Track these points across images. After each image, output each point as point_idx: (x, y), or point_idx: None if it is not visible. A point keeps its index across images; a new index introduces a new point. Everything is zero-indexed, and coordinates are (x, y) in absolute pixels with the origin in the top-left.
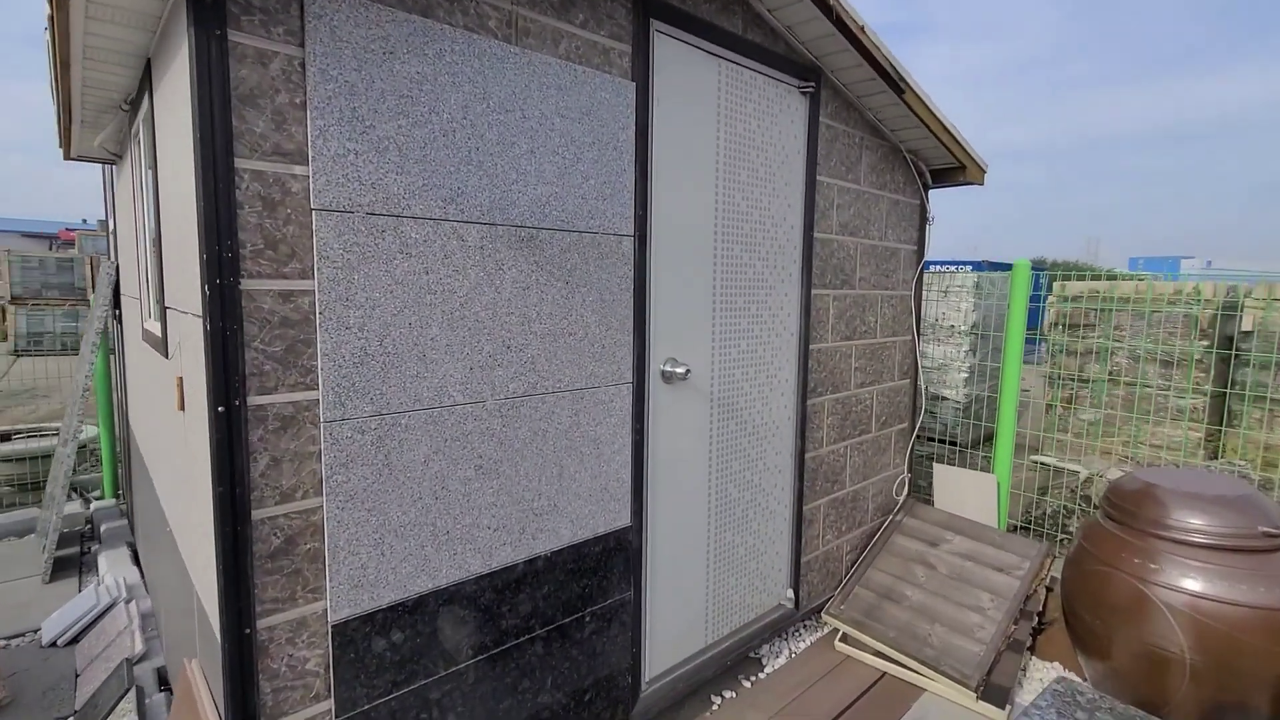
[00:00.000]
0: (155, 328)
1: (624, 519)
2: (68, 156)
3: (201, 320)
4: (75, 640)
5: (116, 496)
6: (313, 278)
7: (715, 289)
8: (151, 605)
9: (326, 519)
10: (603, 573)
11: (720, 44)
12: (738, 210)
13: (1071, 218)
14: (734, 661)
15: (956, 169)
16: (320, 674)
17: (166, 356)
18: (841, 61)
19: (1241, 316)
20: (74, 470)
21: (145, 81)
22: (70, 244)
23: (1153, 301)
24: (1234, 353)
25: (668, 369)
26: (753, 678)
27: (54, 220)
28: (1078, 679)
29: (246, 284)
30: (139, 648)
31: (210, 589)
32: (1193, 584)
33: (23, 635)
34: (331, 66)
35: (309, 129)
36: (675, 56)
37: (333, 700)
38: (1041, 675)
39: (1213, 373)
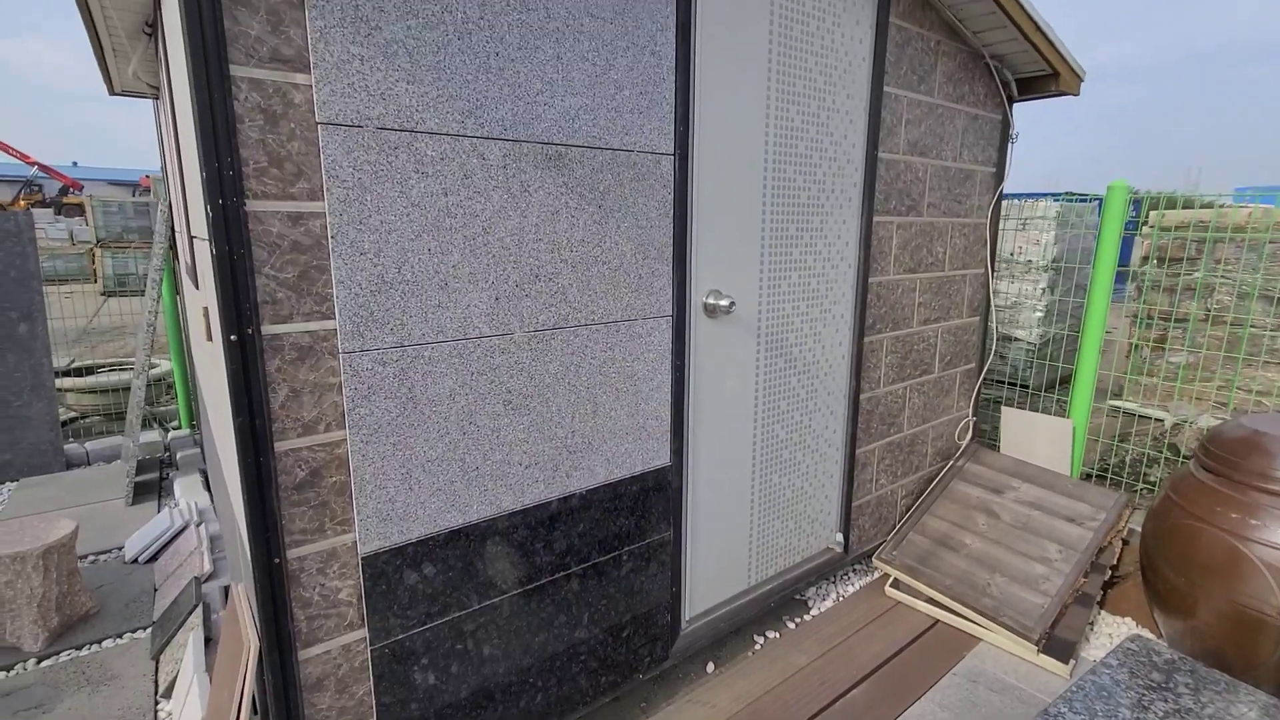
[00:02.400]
0: (188, 259)
1: (663, 458)
2: (112, 92)
3: (208, 244)
4: (153, 559)
5: (191, 426)
6: (322, 199)
7: (765, 215)
8: (219, 528)
9: (351, 452)
10: (641, 512)
11: None
12: (792, 126)
13: (1169, 145)
14: (778, 603)
15: (1048, 76)
16: (353, 603)
17: (196, 287)
18: None
19: None
20: (155, 402)
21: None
22: (149, 190)
23: (1270, 230)
24: None
25: (711, 301)
26: (798, 619)
27: (138, 168)
28: (1152, 637)
29: (252, 205)
30: (207, 567)
31: (243, 518)
32: None
33: (109, 552)
34: None
35: (308, 30)
36: None
37: (366, 629)
38: (1111, 631)
39: None
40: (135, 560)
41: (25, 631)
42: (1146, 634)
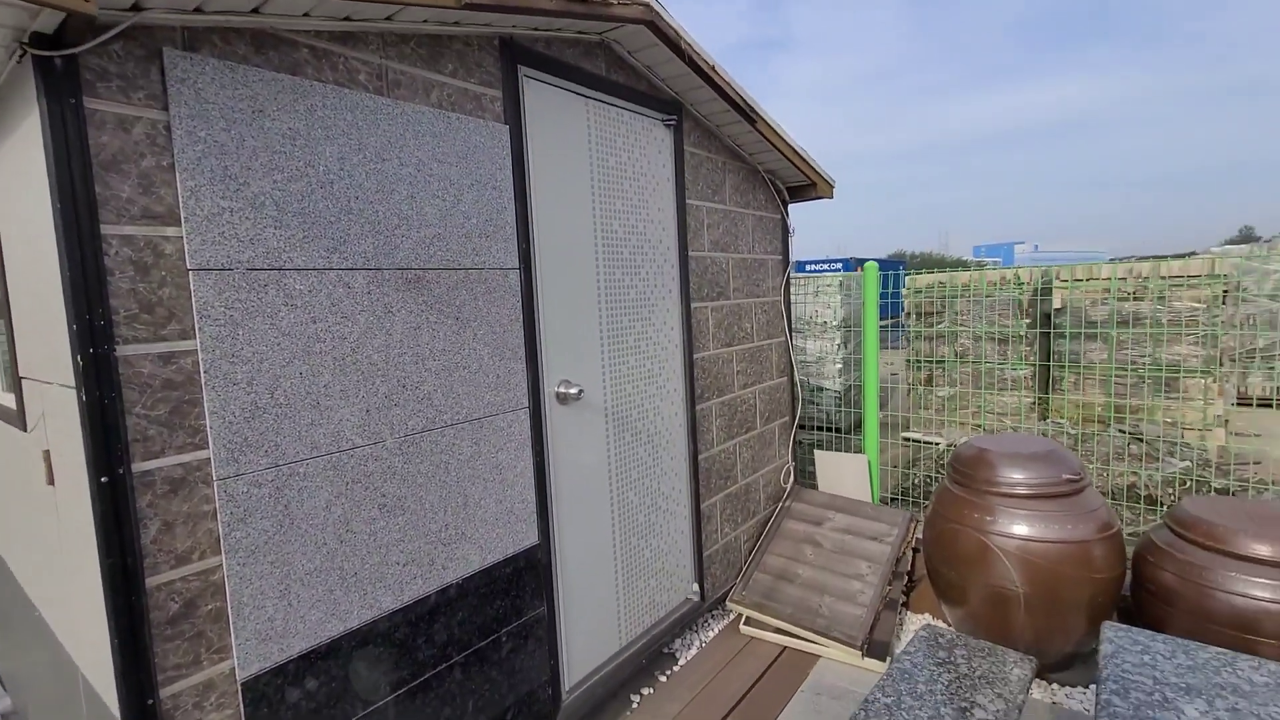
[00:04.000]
0: (8, 400)
1: (531, 538)
2: None
3: (75, 391)
4: None
5: None
6: (194, 337)
7: (601, 311)
8: (11, 703)
9: (228, 576)
10: (515, 592)
11: (586, 85)
12: (616, 236)
13: (929, 214)
14: (649, 659)
15: (809, 185)
16: None
17: (25, 430)
18: (699, 96)
19: (1052, 296)
20: None
21: None
22: None
23: (984, 288)
24: (1051, 328)
25: (561, 390)
26: (668, 672)
27: None
28: (942, 625)
29: (122, 350)
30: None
31: (103, 666)
32: (1020, 529)
33: None
34: (199, 128)
35: (179, 190)
36: (545, 98)
37: None
38: (914, 627)
39: (1036, 346)
40: None
41: None
42: (938, 623)
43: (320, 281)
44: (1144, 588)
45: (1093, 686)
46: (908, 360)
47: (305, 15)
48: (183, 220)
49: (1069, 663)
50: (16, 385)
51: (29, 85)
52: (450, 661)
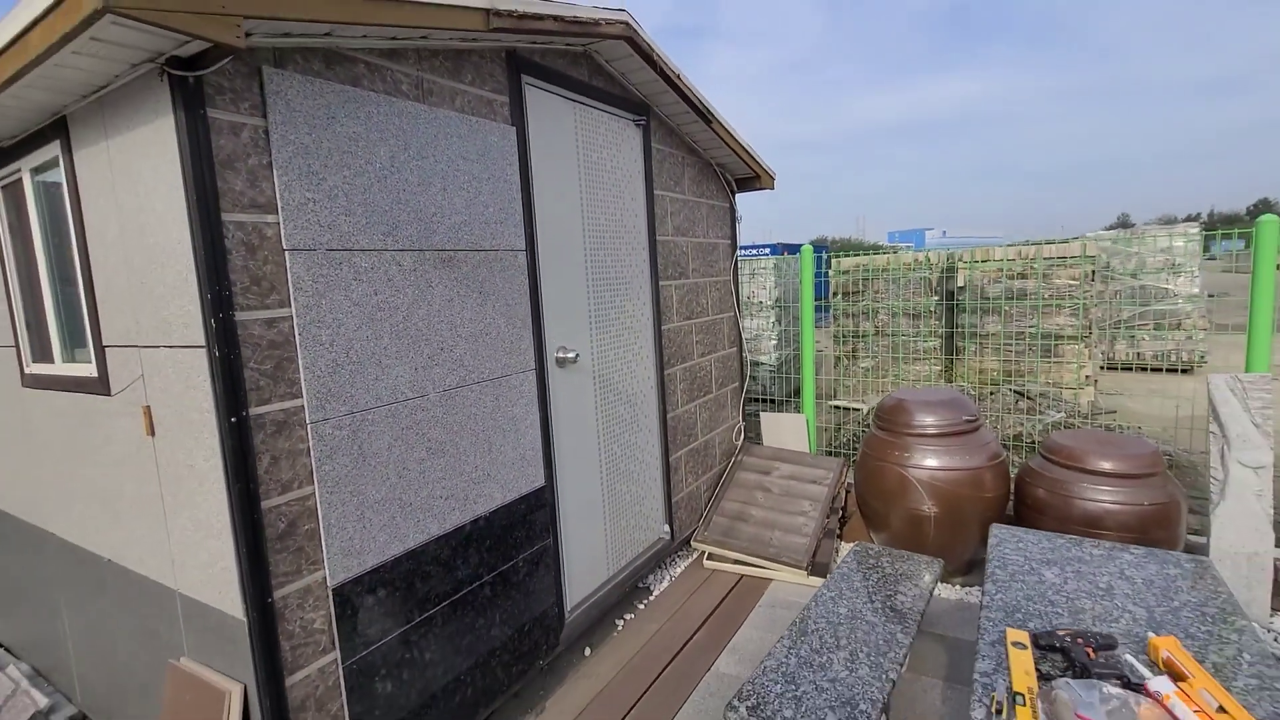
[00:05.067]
0: (82, 370)
1: (539, 480)
2: None
3: (205, 349)
4: None
5: None
6: (290, 306)
7: (589, 287)
8: (29, 667)
9: (319, 502)
10: (528, 525)
11: (574, 90)
12: (599, 223)
13: (844, 201)
14: (629, 590)
15: (754, 178)
16: (325, 630)
17: (109, 394)
18: (664, 100)
19: (955, 275)
20: None
21: (32, 139)
22: None
23: (899, 269)
24: (955, 303)
25: (560, 355)
26: (645, 601)
27: None
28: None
29: (239, 315)
30: (42, 702)
31: (217, 580)
32: (930, 461)
33: None
34: (289, 132)
35: (276, 184)
36: (542, 103)
37: (337, 651)
38: (847, 550)
39: (943, 320)
40: None
41: None
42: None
43: (379, 261)
44: (1023, 503)
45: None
46: (834, 336)
47: (363, 36)
48: (279, 209)
49: (969, 568)
50: (100, 356)
51: (162, 97)
52: (481, 580)
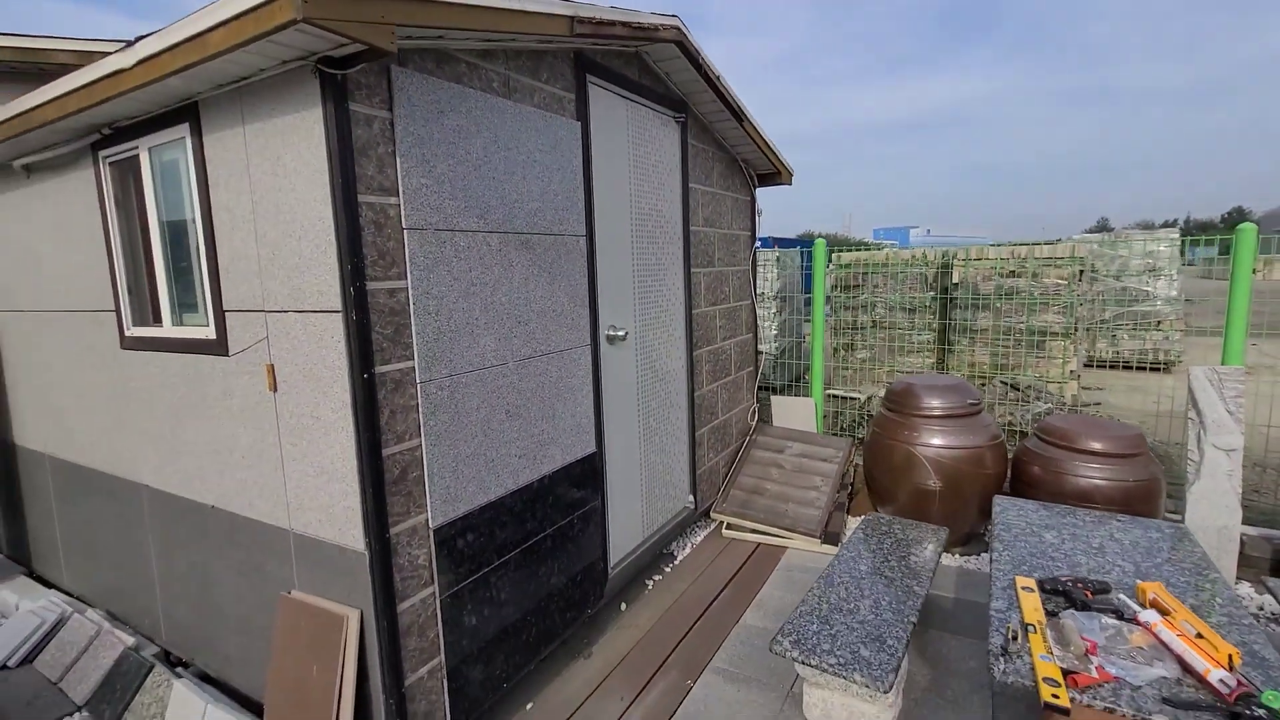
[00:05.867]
0: (199, 333)
1: (591, 447)
2: None
3: (343, 314)
4: (27, 660)
5: None
6: (406, 278)
7: (634, 271)
8: (105, 612)
9: (425, 453)
10: (582, 486)
11: (626, 88)
12: (643, 212)
13: (830, 197)
14: (658, 554)
15: (775, 174)
16: (427, 566)
17: (227, 354)
18: (702, 98)
19: (952, 272)
20: None
21: (154, 121)
22: None
23: (898, 265)
24: (950, 299)
25: (610, 333)
26: (670, 566)
27: None
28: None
29: (369, 285)
30: (129, 639)
31: (339, 519)
32: (936, 440)
33: None
34: (409, 124)
35: (399, 170)
36: (601, 100)
37: (435, 585)
38: (854, 522)
39: (938, 315)
40: (3, 666)
41: None
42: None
43: (473, 241)
44: (1019, 479)
45: (983, 555)
46: (833, 328)
47: (466, 38)
48: (400, 192)
49: (967, 540)
50: (219, 319)
51: (311, 91)
52: (544, 532)
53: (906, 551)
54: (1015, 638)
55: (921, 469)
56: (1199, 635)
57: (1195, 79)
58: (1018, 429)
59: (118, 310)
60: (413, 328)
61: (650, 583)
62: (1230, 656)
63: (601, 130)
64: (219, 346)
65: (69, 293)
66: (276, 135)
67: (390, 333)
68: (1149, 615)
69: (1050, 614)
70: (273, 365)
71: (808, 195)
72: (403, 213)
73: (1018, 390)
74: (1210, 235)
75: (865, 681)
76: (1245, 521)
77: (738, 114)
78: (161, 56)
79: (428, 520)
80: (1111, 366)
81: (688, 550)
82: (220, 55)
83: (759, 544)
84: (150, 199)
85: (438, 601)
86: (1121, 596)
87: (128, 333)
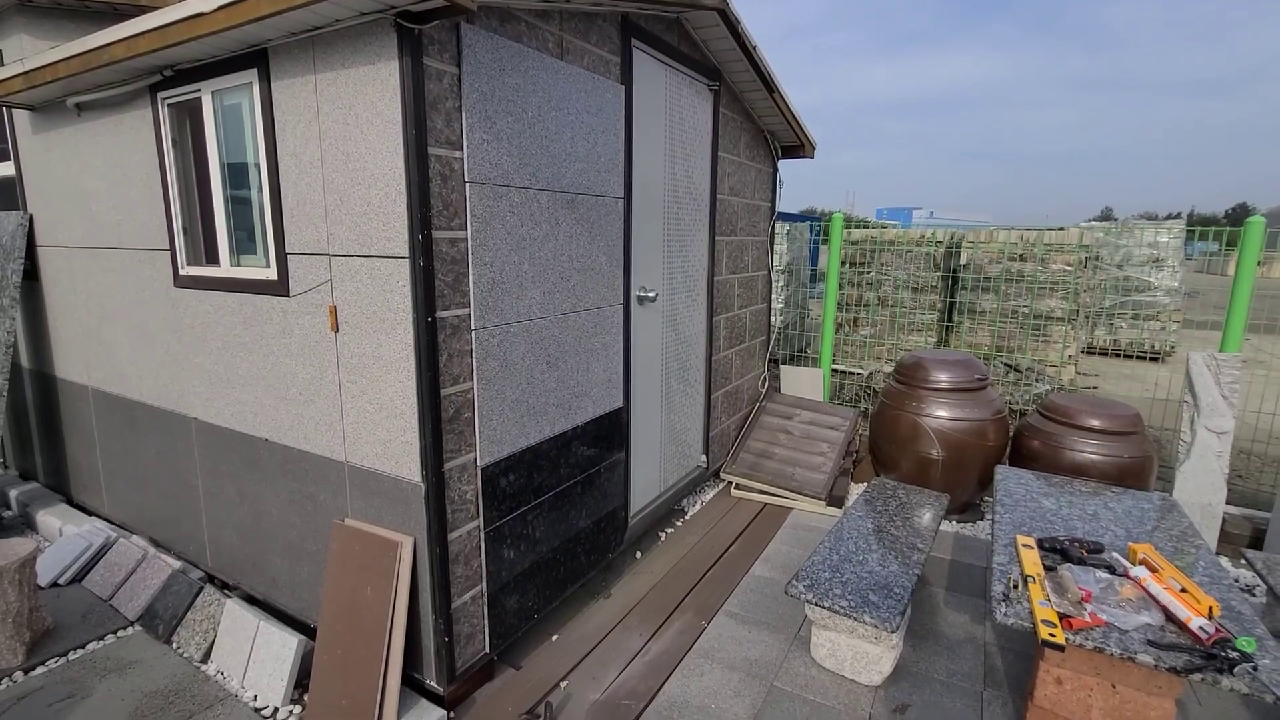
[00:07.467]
0: (259, 273)
1: (619, 401)
2: None
3: (410, 260)
4: (77, 579)
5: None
6: (466, 229)
7: (664, 235)
8: (148, 539)
9: (476, 395)
10: (608, 438)
11: (665, 54)
12: (675, 178)
13: (833, 174)
14: (670, 509)
15: (798, 146)
16: (474, 501)
17: (288, 295)
18: (735, 67)
19: (960, 253)
20: None
21: (219, 65)
22: None
23: (906, 244)
24: (956, 279)
25: (640, 294)
26: (681, 521)
27: None
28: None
29: (435, 234)
30: (176, 564)
31: (397, 453)
32: (943, 413)
33: None
34: (475, 81)
35: (464, 125)
36: (643, 65)
37: (481, 519)
38: (858, 488)
39: (943, 294)
40: (54, 583)
41: (4, 647)
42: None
43: (525, 197)
44: (1019, 452)
45: (980, 523)
46: (838, 304)
47: None
48: (464, 146)
49: (965, 508)
50: (281, 261)
51: (387, 43)
52: (575, 479)
53: (910, 514)
54: (1016, 586)
55: (926, 439)
56: (1183, 590)
57: (1206, 72)
58: (1017, 408)
59: (172, 249)
60: (470, 276)
61: (663, 535)
62: (1210, 608)
63: (642, 94)
64: (279, 287)
65: (120, 231)
66: (350, 85)
67: (451, 280)
68: (1139, 571)
69: (1048, 568)
70: (335, 306)
71: (813, 172)
72: (465, 166)
73: (1019, 372)
74: (1212, 229)
75: (874, 622)
76: (1228, 502)
77: (769, 84)
78: (245, 2)
79: (476, 459)
80: (1105, 354)
81: (698, 507)
82: (304, 6)
83: (765, 504)
84: (211, 142)
85: (482, 534)
86: (1115, 555)
87: (182, 271)
